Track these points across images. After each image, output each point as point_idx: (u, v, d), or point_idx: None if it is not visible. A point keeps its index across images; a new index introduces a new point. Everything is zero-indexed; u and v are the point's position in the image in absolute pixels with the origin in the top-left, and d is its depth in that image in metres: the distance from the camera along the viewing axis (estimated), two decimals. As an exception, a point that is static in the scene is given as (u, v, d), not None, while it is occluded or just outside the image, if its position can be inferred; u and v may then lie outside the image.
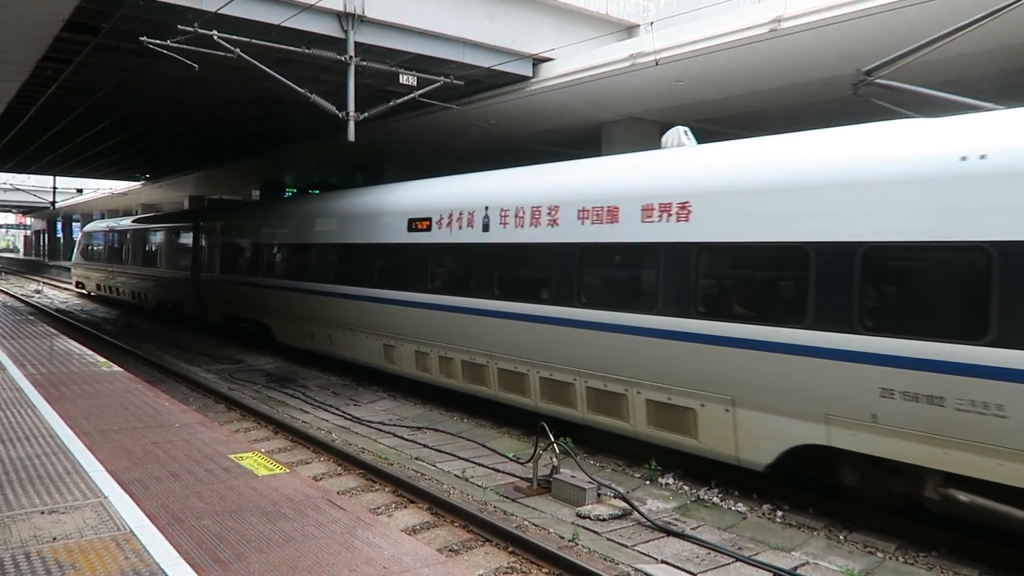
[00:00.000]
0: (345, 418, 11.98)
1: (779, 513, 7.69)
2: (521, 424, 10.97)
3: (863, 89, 7.82)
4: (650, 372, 8.46)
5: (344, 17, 12.49)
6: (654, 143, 16.42)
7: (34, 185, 47.01)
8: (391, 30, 13.25)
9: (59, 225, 69.79)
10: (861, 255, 6.54)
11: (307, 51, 12.14)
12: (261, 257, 17.92)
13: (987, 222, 5.79)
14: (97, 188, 48.65)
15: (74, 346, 12.92)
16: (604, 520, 7.49)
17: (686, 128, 10.07)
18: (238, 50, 11.40)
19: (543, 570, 6.30)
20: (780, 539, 7.08)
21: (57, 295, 38.79)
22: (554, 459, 8.45)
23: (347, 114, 12.47)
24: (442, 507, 7.68)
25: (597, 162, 10.36)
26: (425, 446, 10.27)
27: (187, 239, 22.59)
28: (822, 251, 6.82)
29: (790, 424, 7.14)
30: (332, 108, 12.44)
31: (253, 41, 11.57)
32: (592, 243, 9.16)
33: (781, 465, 7.47)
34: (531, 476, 8.58)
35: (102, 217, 53.79)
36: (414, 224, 12.34)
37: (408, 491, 8.22)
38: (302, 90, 12.42)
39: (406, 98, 13.62)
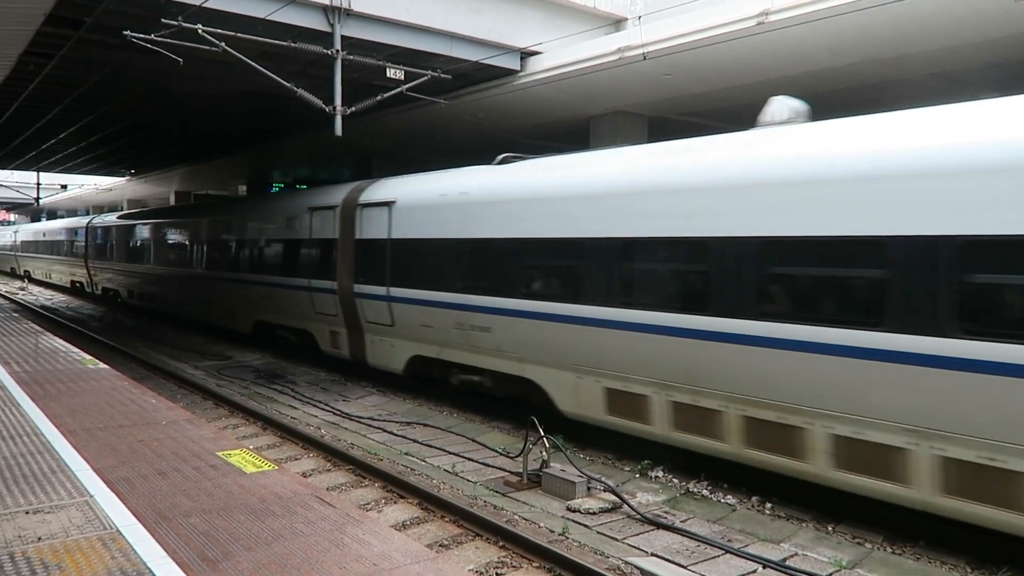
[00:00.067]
0: (334, 414, 11.94)
1: (768, 505, 7.73)
2: (511, 419, 10.97)
3: None
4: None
5: (330, 11, 12.41)
6: (641, 137, 16.51)
7: (17, 181, 46.50)
8: (377, 24, 13.18)
9: (42, 221, 69.19)
10: None
11: (293, 45, 12.06)
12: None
13: None
14: (82, 184, 48.21)
15: (59, 343, 12.80)
16: (594, 513, 7.51)
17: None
18: (223, 44, 11.31)
19: (534, 564, 6.31)
20: (769, 531, 7.12)
21: (42, 292, 38.45)
22: (544, 453, 8.45)
23: (334, 108, 12.41)
24: (432, 502, 7.67)
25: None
26: (415, 441, 10.25)
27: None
28: None
29: None
30: (319, 102, 12.37)
31: (238, 35, 11.48)
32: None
33: None
34: (521, 470, 8.59)
35: (87, 213, 53.35)
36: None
37: (398, 486, 8.21)
38: (288, 84, 12.34)
39: (393, 92, 13.57)
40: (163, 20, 10.71)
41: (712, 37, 12.15)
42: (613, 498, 7.73)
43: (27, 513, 4.90)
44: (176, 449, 6.47)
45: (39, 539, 4.49)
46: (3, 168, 36.27)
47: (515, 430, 10.53)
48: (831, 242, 6.70)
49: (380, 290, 12.64)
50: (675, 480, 8.53)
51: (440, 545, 6.73)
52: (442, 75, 13.83)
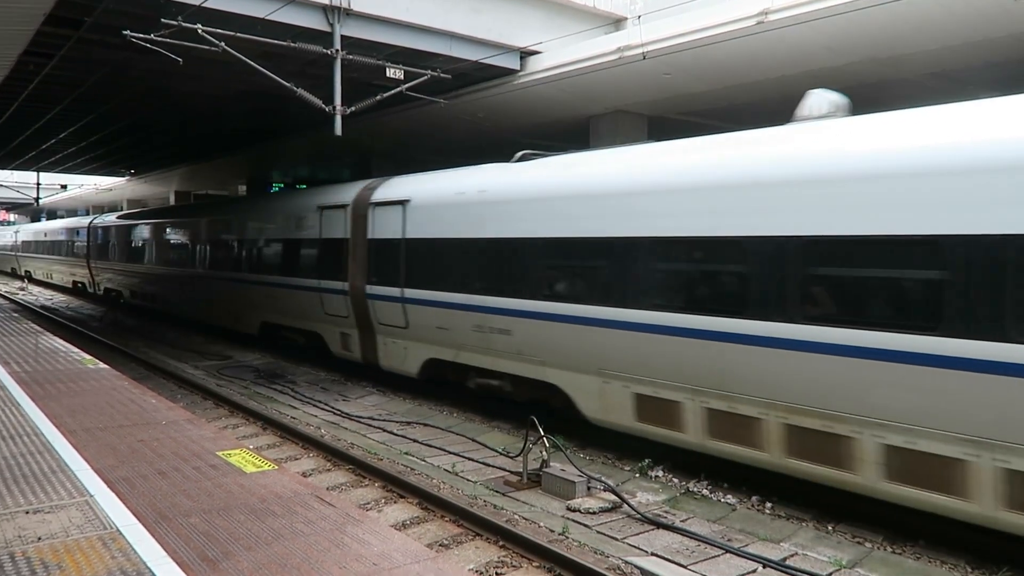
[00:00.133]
0: (334, 413, 11.94)
1: (768, 505, 7.73)
2: (511, 418, 10.97)
3: None
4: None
5: (330, 10, 12.41)
6: (641, 137, 16.50)
7: (17, 181, 46.49)
8: (377, 23, 13.17)
9: (43, 221, 69.20)
10: None
11: (293, 45, 12.06)
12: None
13: None
14: (81, 184, 48.19)
15: (59, 343, 12.80)
16: (594, 513, 7.51)
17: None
18: (223, 44, 11.30)
19: (533, 563, 6.31)
20: (769, 530, 7.12)
21: (42, 292, 38.44)
22: (544, 453, 8.45)
23: (334, 108, 12.40)
24: (432, 502, 7.67)
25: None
26: (415, 441, 10.25)
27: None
28: None
29: None
30: (319, 102, 12.37)
31: (238, 35, 11.48)
32: None
33: None
34: (521, 470, 8.59)
35: (87, 213, 53.31)
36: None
37: (398, 486, 8.21)
38: (288, 84, 12.34)
39: (393, 92, 13.56)
40: (163, 20, 10.71)
41: (712, 36, 12.15)
42: (613, 498, 7.73)
43: (27, 513, 4.90)
44: (176, 449, 6.47)
45: (39, 539, 4.49)
46: (3, 168, 36.27)
47: (515, 430, 10.53)
48: (884, 242, 6.35)
49: (394, 291, 12.31)
50: (675, 480, 8.53)
51: (440, 545, 6.73)
52: (442, 75, 13.82)
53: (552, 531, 7.02)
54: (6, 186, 46.99)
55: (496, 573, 6.19)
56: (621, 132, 16.26)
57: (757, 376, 7.27)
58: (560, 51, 14.81)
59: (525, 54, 15.30)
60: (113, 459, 6.12)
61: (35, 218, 64.80)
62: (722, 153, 7.90)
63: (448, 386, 11.93)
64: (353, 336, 13.77)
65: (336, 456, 9.40)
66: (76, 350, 12.06)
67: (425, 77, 13.51)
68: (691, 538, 6.90)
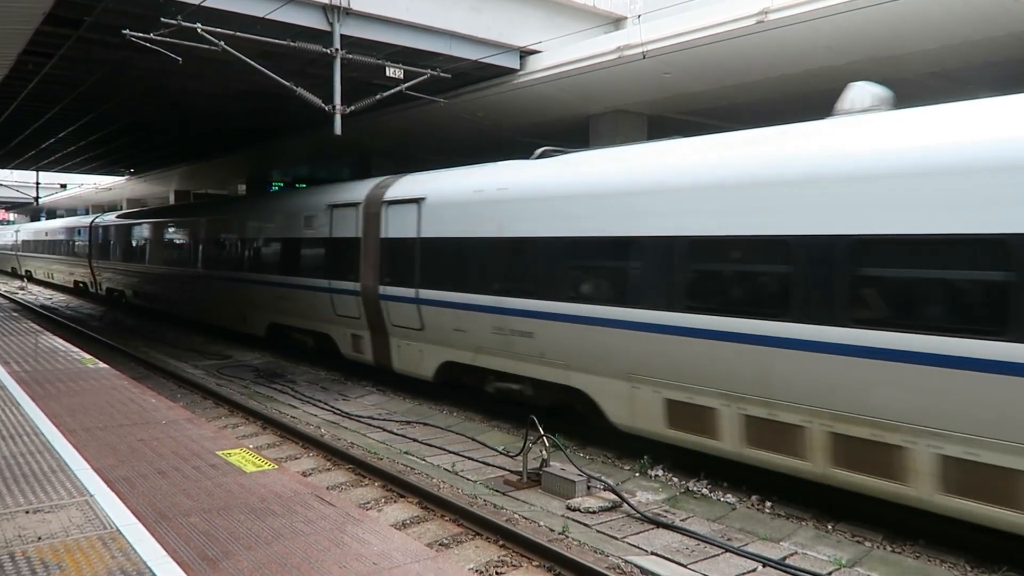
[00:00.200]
0: (334, 413, 11.94)
1: (767, 504, 7.73)
2: (511, 418, 10.97)
3: None
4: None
5: (329, 10, 12.40)
6: (641, 136, 16.51)
7: (17, 180, 46.49)
8: (377, 23, 13.17)
9: (43, 220, 69.21)
10: None
11: (292, 44, 12.05)
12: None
13: None
14: (81, 183, 48.19)
15: (59, 343, 12.80)
16: (594, 512, 7.51)
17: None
18: (223, 43, 11.30)
19: (533, 563, 6.31)
20: (769, 529, 7.12)
21: (41, 292, 38.43)
22: (544, 452, 8.46)
23: (333, 107, 12.40)
24: (432, 501, 7.67)
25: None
26: (415, 440, 10.25)
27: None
28: None
29: None
30: (318, 101, 12.37)
31: (238, 34, 11.48)
32: None
33: None
34: (521, 469, 8.59)
35: (87, 212, 53.28)
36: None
37: (398, 486, 8.21)
38: (288, 83, 12.34)
39: (393, 91, 13.56)
40: (162, 19, 10.71)
41: (711, 36, 12.15)
42: (613, 497, 7.73)
43: (27, 513, 4.90)
44: (176, 448, 6.47)
45: (39, 539, 4.49)
46: (2, 167, 36.26)
47: (515, 429, 10.53)
48: (943, 241, 6.01)
49: (408, 292, 11.95)
50: (675, 479, 8.53)
51: (440, 544, 6.73)
52: (441, 74, 13.82)
53: (552, 530, 7.03)
54: (6, 185, 46.98)
55: (496, 572, 6.19)
56: (621, 132, 16.26)
57: (801, 382, 6.92)
58: (560, 50, 14.81)
59: (525, 53, 15.30)
60: (113, 459, 6.12)
61: (35, 217, 64.80)
62: (764, 149, 7.55)
63: (447, 386, 11.88)
64: (365, 338, 13.46)
65: (336, 455, 9.40)
66: (76, 350, 12.06)
67: (425, 76, 13.51)
68: (691, 537, 6.90)
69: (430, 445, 10.01)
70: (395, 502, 7.90)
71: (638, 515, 7.39)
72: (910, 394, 6.22)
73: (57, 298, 34.23)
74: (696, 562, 6.37)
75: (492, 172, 11.05)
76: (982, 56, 11.86)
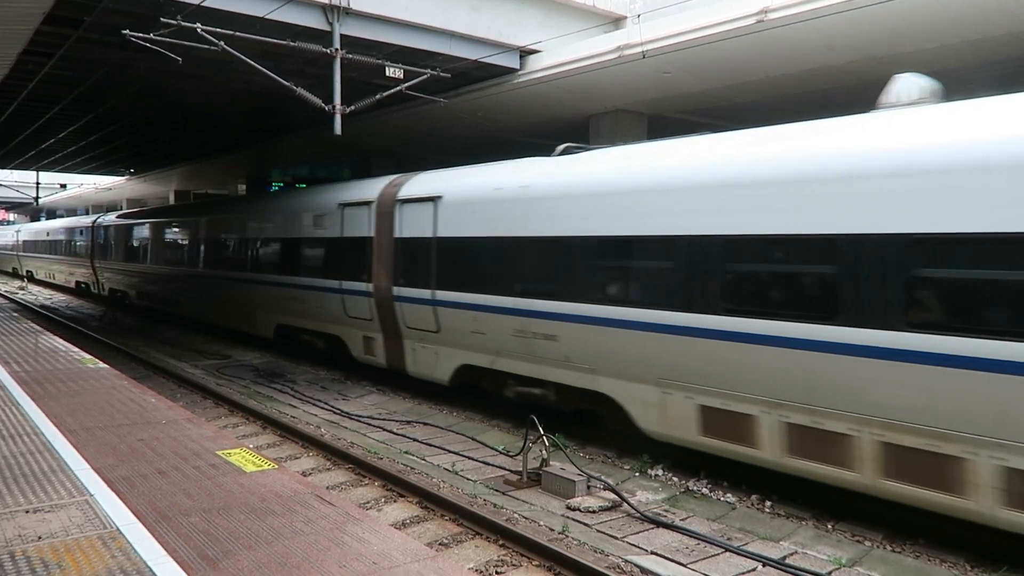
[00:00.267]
0: (334, 412, 11.94)
1: (767, 503, 7.73)
2: (511, 417, 10.97)
3: None
4: None
5: (329, 10, 12.40)
6: (641, 136, 16.52)
7: (16, 181, 46.49)
8: (377, 22, 13.17)
9: (43, 220, 69.23)
10: None
11: (292, 44, 12.05)
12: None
13: None
14: (81, 183, 48.19)
15: (59, 343, 12.80)
16: (594, 512, 7.51)
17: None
18: (222, 43, 11.30)
19: (533, 563, 6.31)
20: (769, 529, 7.12)
21: (41, 291, 38.43)
22: (544, 452, 8.46)
23: (333, 107, 12.40)
24: (432, 501, 7.67)
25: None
26: (415, 440, 10.25)
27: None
28: None
29: None
30: (318, 101, 12.37)
31: (237, 34, 11.48)
32: None
33: None
34: (521, 469, 8.59)
35: (86, 212, 53.26)
36: None
37: (398, 485, 8.21)
38: (287, 83, 12.34)
39: (392, 91, 13.55)
40: (162, 19, 10.71)
41: (711, 35, 12.15)
42: (613, 496, 7.73)
43: (27, 512, 4.91)
44: (176, 448, 6.47)
45: (39, 538, 4.49)
46: (2, 167, 36.25)
47: (515, 428, 10.53)
48: (1015, 239, 5.65)
49: (424, 293, 11.58)
50: (675, 478, 8.53)
51: (440, 544, 6.73)
52: (441, 74, 13.82)
53: (552, 530, 7.03)
54: (6, 185, 46.95)
55: (496, 572, 6.19)
56: (621, 131, 16.26)
57: (849, 389, 6.59)
58: (559, 50, 14.81)
59: (525, 53, 15.30)
60: (113, 458, 6.12)
61: (35, 217, 64.83)
62: (815, 143, 7.13)
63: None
64: (377, 340, 13.10)
65: (336, 455, 9.40)
66: (76, 349, 12.07)
67: (424, 76, 13.51)
68: (691, 537, 6.90)
69: (430, 445, 10.01)
70: (395, 502, 7.90)
71: (638, 515, 7.39)
72: (973, 403, 5.88)
73: (57, 298, 34.23)
74: (696, 561, 6.37)
75: (512, 169, 10.72)
76: (982, 55, 11.86)
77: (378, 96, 13.41)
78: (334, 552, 4.38)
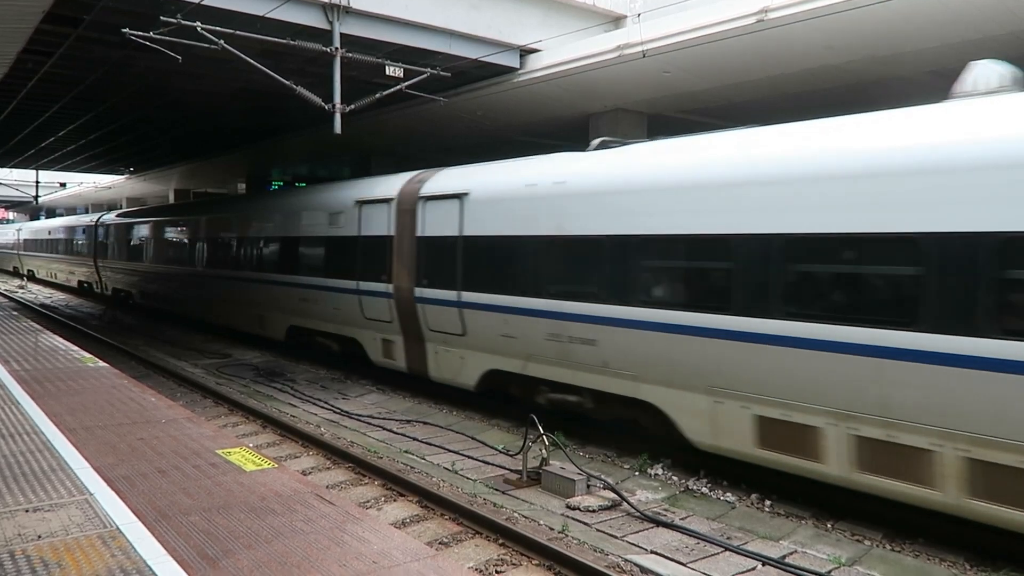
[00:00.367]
0: (334, 412, 11.95)
1: (767, 502, 7.73)
2: (510, 416, 10.97)
3: None
4: None
5: (329, 8, 12.40)
6: (641, 134, 16.51)
7: (16, 179, 46.52)
8: (377, 21, 13.17)
9: (42, 219, 69.28)
10: None
11: (292, 43, 12.05)
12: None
13: None
14: (80, 182, 48.20)
15: (59, 342, 12.80)
16: (594, 511, 7.51)
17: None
18: (222, 42, 11.30)
19: (533, 562, 6.32)
20: (768, 528, 7.12)
21: (41, 291, 38.43)
22: (543, 451, 8.46)
23: (333, 106, 12.39)
24: (432, 500, 7.67)
25: None
26: (414, 439, 10.25)
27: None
28: None
29: None
30: (318, 100, 12.36)
31: (237, 33, 11.47)
32: None
33: None
34: (521, 468, 8.59)
35: (86, 211, 53.25)
36: None
37: (398, 484, 8.21)
38: (287, 82, 12.33)
39: (392, 90, 13.55)
40: (162, 18, 10.71)
41: (711, 35, 12.15)
42: (613, 496, 7.73)
43: (27, 511, 4.91)
44: (176, 447, 6.47)
45: (39, 537, 4.49)
46: (2, 166, 36.26)
47: (515, 428, 10.54)
48: None
49: (449, 294, 11.09)
50: (675, 477, 8.53)
51: (440, 543, 6.74)
52: (441, 73, 13.82)
53: (552, 529, 7.03)
54: (5, 184, 46.95)
55: (496, 571, 6.20)
56: (621, 130, 16.26)
57: (931, 400, 6.10)
58: (559, 49, 14.80)
59: (524, 52, 15.30)
60: (113, 457, 6.12)
61: (34, 216, 64.84)
62: (886, 135, 6.62)
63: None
64: (397, 343, 12.58)
65: (336, 454, 9.40)
66: (76, 348, 12.07)
67: (424, 75, 13.50)
68: (690, 536, 6.90)
69: (430, 444, 10.01)
70: (395, 501, 7.90)
71: (638, 514, 7.40)
72: None
73: (57, 297, 34.22)
74: (696, 561, 6.38)
75: (545, 165, 10.25)
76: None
77: (378, 95, 13.41)
78: (334, 551, 4.38)
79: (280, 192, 22.61)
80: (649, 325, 8.27)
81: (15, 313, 18.69)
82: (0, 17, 10.79)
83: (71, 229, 35.08)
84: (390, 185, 13.01)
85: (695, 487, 8.24)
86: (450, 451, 9.68)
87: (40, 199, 45.55)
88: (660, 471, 8.72)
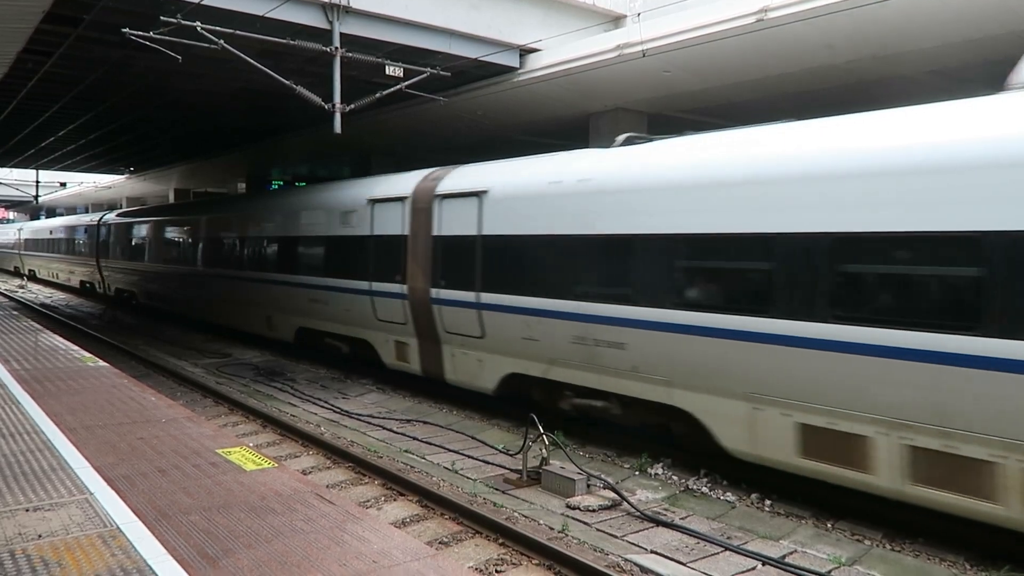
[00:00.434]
0: (334, 411, 11.95)
1: (767, 502, 7.73)
2: (510, 416, 10.97)
3: None
4: None
5: (329, 8, 12.40)
6: (642, 133, 16.47)
7: (16, 179, 46.50)
8: (376, 21, 13.17)
9: (43, 219, 69.32)
10: None
11: (292, 43, 12.04)
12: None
13: None
14: (80, 182, 48.20)
15: (59, 341, 12.80)
16: (594, 511, 7.51)
17: None
18: (222, 42, 11.29)
19: (533, 561, 6.32)
20: (768, 528, 7.12)
21: (41, 290, 38.43)
22: (544, 451, 8.46)
23: (333, 106, 12.39)
24: (432, 500, 7.68)
25: None
26: (414, 439, 10.26)
27: None
28: None
29: None
30: (318, 100, 12.36)
31: (237, 33, 11.47)
32: None
33: None
34: (521, 468, 8.59)
35: (86, 211, 53.25)
36: None
37: (398, 484, 8.21)
38: (287, 82, 12.33)
39: (392, 90, 13.55)
40: (162, 18, 10.71)
41: (711, 34, 12.15)
42: (613, 495, 7.73)
43: (27, 511, 4.91)
44: (176, 447, 6.47)
45: (39, 536, 4.49)
46: (2, 166, 36.24)
47: (515, 427, 10.54)
48: None
49: (467, 296, 10.78)
50: (675, 477, 8.53)
51: (440, 542, 6.74)
52: (441, 72, 13.82)
53: (552, 529, 7.03)
54: (5, 184, 46.94)
55: (496, 571, 6.20)
56: (621, 130, 16.23)
57: (994, 409, 5.77)
58: (559, 49, 14.81)
59: (524, 52, 15.30)
60: (113, 457, 6.12)
61: (34, 216, 64.86)
62: (947, 128, 6.27)
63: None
64: (411, 345, 12.32)
65: (336, 454, 9.40)
66: (76, 348, 12.07)
67: (424, 75, 13.50)
68: (690, 536, 6.90)
69: (430, 443, 10.01)
70: (395, 500, 7.90)
71: (638, 513, 7.40)
72: None
73: (57, 296, 34.23)
74: (696, 560, 6.38)
75: (569, 161, 9.92)
76: (982, 55, 11.85)
77: (378, 95, 13.40)
78: (334, 550, 4.38)
79: (290, 191, 22.02)
80: (684, 328, 7.93)
81: (15, 313, 18.68)
82: (0, 17, 10.79)
83: (73, 229, 34.95)
84: (404, 183, 12.71)
85: (695, 487, 8.24)
86: (450, 450, 9.68)
87: (40, 199, 45.53)
88: (660, 471, 8.72)
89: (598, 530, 7.08)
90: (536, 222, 9.80)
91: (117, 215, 28.91)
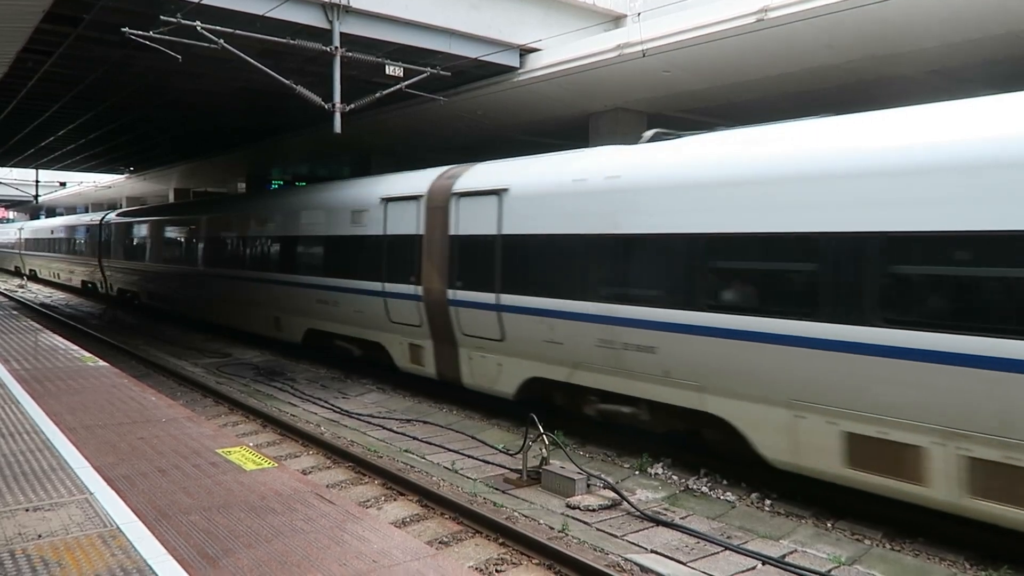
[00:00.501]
0: (334, 411, 11.95)
1: (767, 502, 7.74)
2: (511, 416, 10.97)
3: None
4: None
5: (329, 8, 12.39)
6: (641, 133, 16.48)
7: (16, 179, 46.50)
8: (376, 21, 13.16)
9: (42, 219, 69.35)
10: None
11: (292, 42, 12.04)
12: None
13: None
14: (80, 182, 48.19)
15: (59, 341, 12.80)
16: (594, 510, 7.52)
17: None
18: (222, 41, 11.29)
19: (533, 561, 6.32)
20: (768, 527, 7.12)
21: (41, 290, 38.43)
22: (544, 450, 8.46)
23: (333, 106, 12.39)
24: (432, 499, 7.68)
25: None
26: (414, 438, 10.26)
27: None
28: None
29: None
30: (318, 100, 12.36)
31: (237, 32, 11.47)
32: None
33: None
34: (521, 467, 8.59)
35: (86, 210, 53.24)
36: None
37: (398, 484, 8.21)
38: (287, 82, 12.33)
39: (392, 89, 13.54)
40: (162, 17, 10.70)
41: (711, 34, 12.14)
42: (613, 495, 7.73)
43: (27, 511, 4.91)
44: (176, 447, 6.47)
45: (39, 536, 4.49)
46: (2, 165, 36.23)
47: (515, 427, 10.54)
48: None
49: (487, 297, 10.48)
50: (675, 477, 8.53)
51: (440, 542, 6.74)
52: (441, 72, 13.82)
53: (552, 528, 7.03)
54: (5, 183, 46.95)
55: (496, 570, 6.20)
56: (621, 130, 16.27)
57: None
58: (560, 48, 14.80)
59: (524, 51, 15.29)
60: (113, 457, 6.12)
61: (34, 215, 64.85)
62: (1006, 122, 5.90)
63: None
64: (426, 348, 12.00)
65: (336, 454, 9.40)
66: (76, 348, 12.07)
67: (424, 75, 13.50)
68: (690, 535, 6.91)
69: (430, 443, 10.01)
70: (395, 500, 7.90)
71: (638, 513, 7.40)
72: None
73: (57, 296, 34.22)
74: (696, 560, 6.38)
75: (594, 159, 9.57)
76: (983, 54, 11.85)
77: (378, 94, 13.40)
78: (334, 550, 4.38)
79: (299, 189, 21.82)
80: (720, 332, 7.59)
81: (15, 312, 18.68)
82: (0, 17, 10.79)
83: (75, 229, 34.84)
84: (418, 181, 12.39)
85: (695, 486, 8.24)
86: (450, 450, 9.68)
87: (40, 198, 45.52)
88: (660, 470, 8.72)
89: (598, 530, 7.08)
90: (559, 221, 9.49)
91: (120, 214, 28.66)
